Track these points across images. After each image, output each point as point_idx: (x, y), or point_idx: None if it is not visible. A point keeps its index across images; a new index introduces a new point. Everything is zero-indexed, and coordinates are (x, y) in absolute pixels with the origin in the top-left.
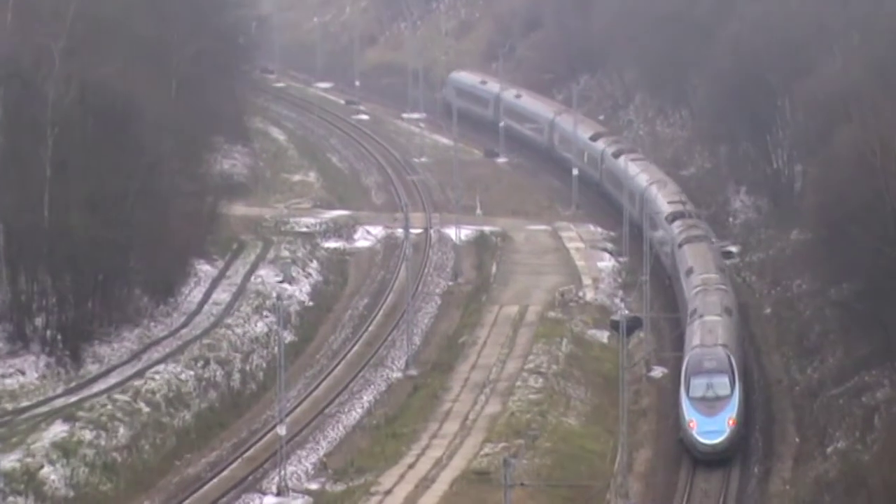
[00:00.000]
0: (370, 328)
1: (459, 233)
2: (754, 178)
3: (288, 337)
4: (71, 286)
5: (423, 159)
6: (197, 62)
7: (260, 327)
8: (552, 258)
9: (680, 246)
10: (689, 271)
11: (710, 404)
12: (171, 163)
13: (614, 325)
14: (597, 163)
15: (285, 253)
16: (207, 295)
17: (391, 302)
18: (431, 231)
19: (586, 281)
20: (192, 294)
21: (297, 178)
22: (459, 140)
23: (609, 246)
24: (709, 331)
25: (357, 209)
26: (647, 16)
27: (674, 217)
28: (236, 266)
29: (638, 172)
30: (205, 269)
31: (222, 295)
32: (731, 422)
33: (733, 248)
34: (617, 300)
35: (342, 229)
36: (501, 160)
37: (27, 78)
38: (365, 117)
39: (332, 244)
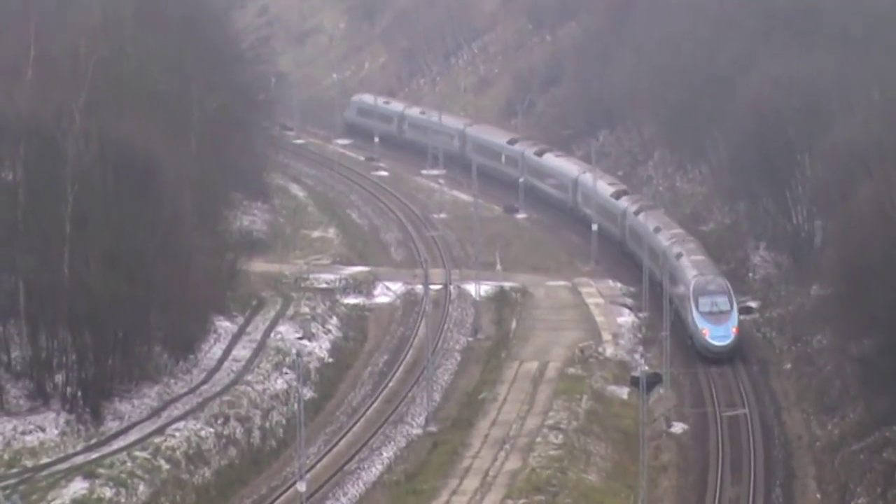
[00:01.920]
0: (390, 385)
1: (479, 289)
2: (774, 234)
3: (308, 393)
4: (91, 343)
5: (442, 215)
6: (217, 118)
7: (280, 384)
8: (572, 314)
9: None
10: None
11: (716, 317)
12: (191, 219)
13: (634, 381)
14: (618, 220)
15: (305, 309)
16: (227, 351)
17: (411, 358)
18: (451, 287)
19: (606, 337)
20: (212, 351)
21: (316, 234)
22: (479, 196)
23: (629, 301)
24: (703, 264)
25: (377, 265)
26: (667, 71)
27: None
28: (256, 322)
29: (661, 231)
30: (225, 326)
31: (242, 351)
32: (734, 329)
33: (753, 304)
34: (637, 356)
35: (362, 285)
36: (521, 216)
37: (47, 135)
38: (384, 173)
39: (351, 300)
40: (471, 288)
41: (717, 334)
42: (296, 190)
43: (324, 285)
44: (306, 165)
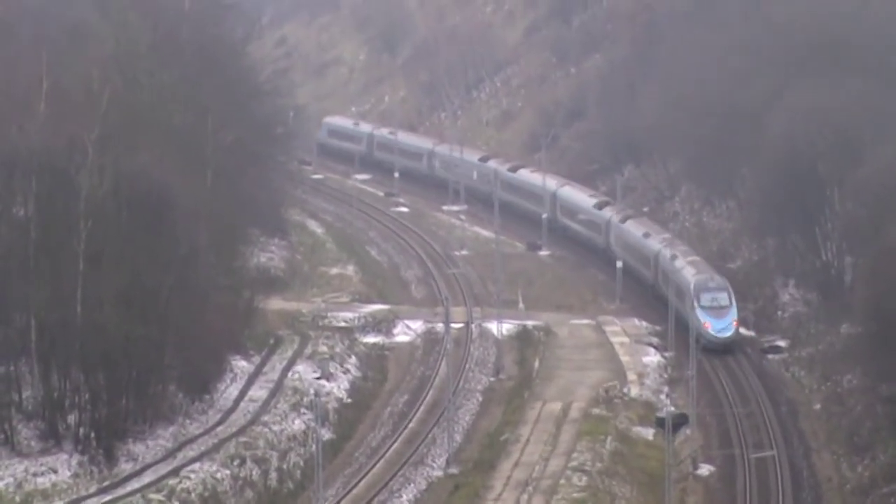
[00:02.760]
0: (410, 425)
1: (501, 327)
2: (803, 271)
3: (326, 435)
4: (104, 383)
5: (463, 252)
6: (233, 152)
7: (297, 425)
8: (596, 353)
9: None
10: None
11: (717, 311)
12: (206, 256)
13: (660, 422)
14: (602, 229)
15: (323, 348)
16: (244, 392)
17: (431, 398)
18: (473, 326)
19: (631, 376)
20: (228, 391)
21: (335, 271)
22: (501, 232)
23: (654, 340)
24: (700, 265)
25: (397, 303)
26: (694, 104)
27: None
28: (273, 362)
29: (651, 236)
30: (241, 365)
31: (259, 392)
32: (735, 323)
33: (781, 343)
34: (662, 396)
35: (381, 324)
36: (544, 253)
37: (60, 169)
38: (404, 209)
39: (371, 339)
40: (493, 326)
41: (719, 327)
42: (314, 226)
43: (342, 324)
44: (324, 201)
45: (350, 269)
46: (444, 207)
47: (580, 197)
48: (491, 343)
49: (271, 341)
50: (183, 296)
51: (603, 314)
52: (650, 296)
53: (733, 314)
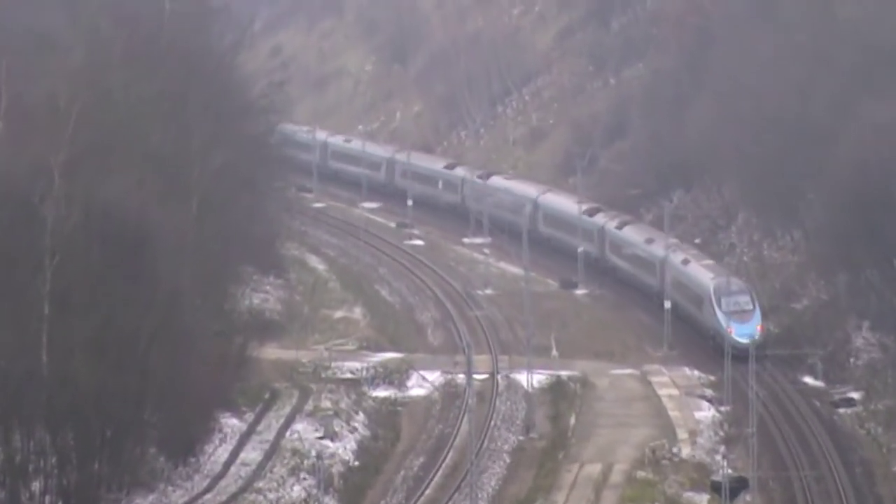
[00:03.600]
0: (427, 492)
1: (532, 378)
2: (879, 311)
3: (330, 503)
4: (74, 444)
5: (488, 291)
6: (222, 177)
7: (297, 492)
8: (641, 407)
9: None
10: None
11: (740, 316)
12: (192, 297)
13: (715, 487)
14: (594, 237)
15: (326, 404)
16: (235, 454)
17: (451, 461)
18: (499, 377)
19: (682, 434)
20: (217, 453)
21: (339, 314)
22: (531, 268)
23: (708, 393)
24: (716, 268)
25: (411, 351)
26: (752, 120)
27: None
28: (268, 419)
29: (654, 242)
30: (231, 424)
31: (252, 454)
32: (759, 328)
33: (854, 395)
34: (718, 457)
35: (393, 375)
36: (580, 292)
37: (22, 198)
38: (419, 242)
39: (381, 393)
40: (522, 377)
41: (744, 332)
42: (315, 262)
43: (348, 375)
44: (327, 233)
45: (357, 312)
46: (465, 240)
47: (566, 204)
48: (520, 396)
49: (266, 395)
50: (164, 343)
51: (649, 362)
52: (698, 337)
53: (758, 318)
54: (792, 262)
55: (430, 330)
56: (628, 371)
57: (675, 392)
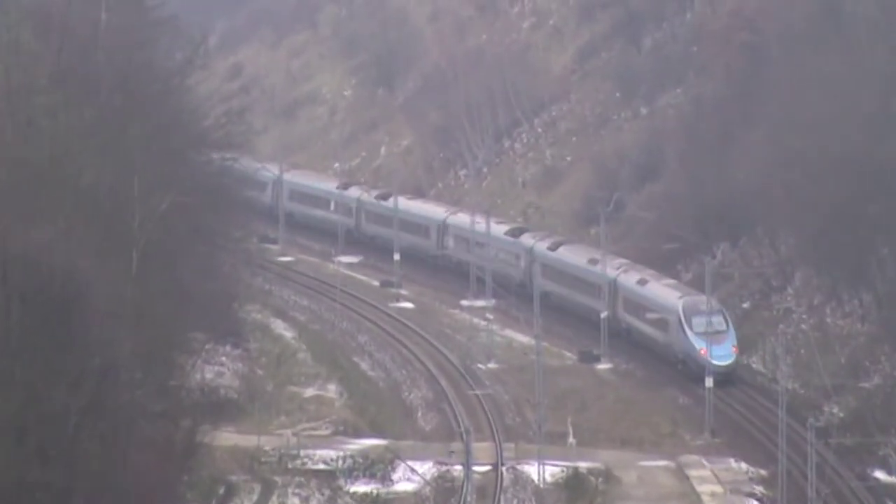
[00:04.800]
0: None
1: (543, 471)
2: None
3: None
4: None
5: (491, 365)
6: (169, 225)
7: None
8: None
9: None
10: None
11: (714, 337)
12: (130, 370)
13: None
14: (521, 260)
15: (294, 501)
16: None
17: None
18: (503, 469)
19: None
20: None
21: (310, 392)
22: (544, 337)
23: (759, 491)
24: (680, 287)
25: (397, 437)
26: (813, 159)
27: None
28: None
29: (598, 263)
30: None
31: None
32: (734, 349)
33: None
34: None
35: (375, 466)
36: (603, 366)
37: None
38: (408, 305)
39: (361, 488)
40: (532, 470)
41: (719, 353)
42: (281, 328)
43: (321, 466)
44: (296, 293)
45: (332, 390)
46: (464, 302)
47: (480, 224)
48: (529, 493)
49: (221, 490)
50: (97, 426)
51: (686, 453)
52: (745, 421)
53: (732, 339)
54: (861, 331)
55: (420, 412)
56: (661, 463)
57: (718, 489)
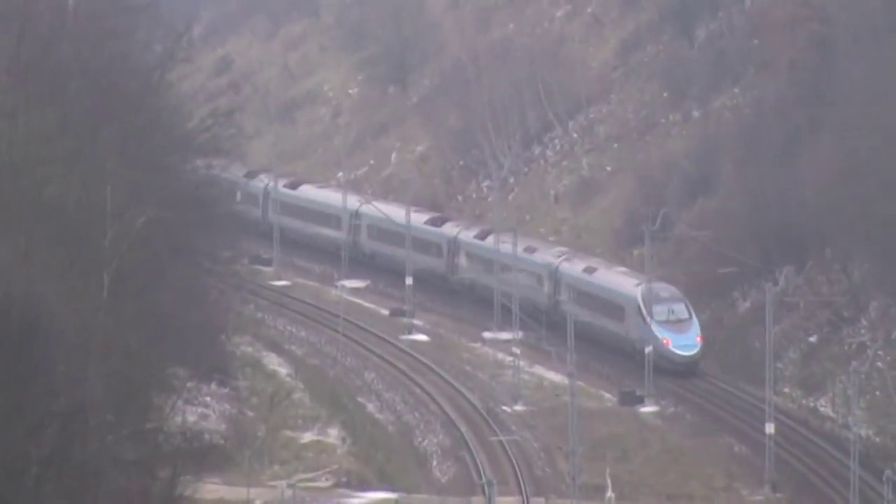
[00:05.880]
0: None
1: None
2: None
3: None
4: None
5: (517, 408)
6: (145, 244)
7: None
8: None
9: None
10: None
11: (676, 326)
12: (100, 412)
13: None
14: (444, 251)
15: None
16: None
17: None
18: None
19: None
20: None
21: (308, 437)
22: (580, 375)
23: None
24: (634, 274)
25: (408, 490)
26: (892, 170)
27: None
28: None
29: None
30: None
31: None
32: (698, 338)
33: None
34: None
35: None
36: (647, 409)
37: None
38: (422, 337)
39: None
40: None
41: (682, 343)
42: (275, 364)
43: None
44: (292, 323)
45: (333, 435)
46: (486, 335)
47: (396, 212)
48: None
49: None
50: (61, 478)
51: None
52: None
53: (696, 328)
54: None
55: (435, 461)
56: None
57: None
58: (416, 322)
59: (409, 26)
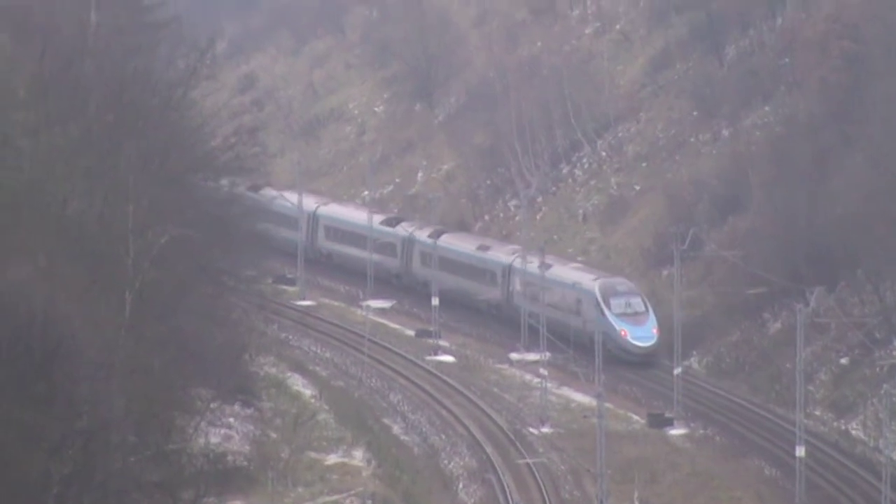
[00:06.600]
0: None
1: None
2: None
3: None
4: None
5: (545, 430)
6: (168, 264)
7: None
8: None
9: None
10: None
11: (633, 318)
12: (121, 433)
13: None
14: (398, 251)
15: None
16: None
17: None
18: None
19: None
20: None
21: (333, 459)
22: (608, 396)
23: None
24: (591, 269)
25: None
26: None
27: None
28: None
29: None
30: None
31: None
32: (655, 330)
33: None
34: None
35: None
36: (676, 432)
37: None
38: (448, 358)
39: None
40: None
41: (639, 335)
42: (299, 385)
43: None
44: (317, 343)
45: (358, 457)
46: (513, 356)
47: (356, 215)
48: None
49: None
50: (82, 498)
51: None
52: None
53: (653, 321)
54: None
55: (461, 483)
56: None
57: None
58: (443, 343)
59: (435, 43)
